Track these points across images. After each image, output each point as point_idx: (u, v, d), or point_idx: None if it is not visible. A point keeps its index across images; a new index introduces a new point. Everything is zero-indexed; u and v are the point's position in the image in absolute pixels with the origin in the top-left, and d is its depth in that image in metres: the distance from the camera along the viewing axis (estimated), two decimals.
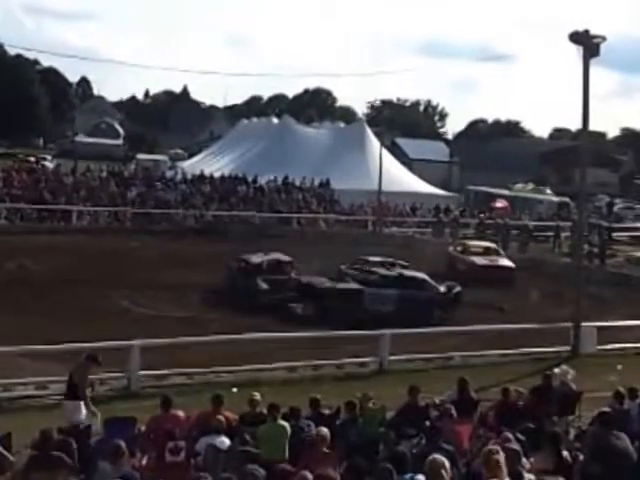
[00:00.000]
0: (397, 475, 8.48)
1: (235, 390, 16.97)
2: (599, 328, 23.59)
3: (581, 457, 10.42)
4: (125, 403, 16.18)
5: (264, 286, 27.99)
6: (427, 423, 12.90)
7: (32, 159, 63.56)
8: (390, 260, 30.85)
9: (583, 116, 23.66)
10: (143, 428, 12.33)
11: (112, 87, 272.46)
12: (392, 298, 27.01)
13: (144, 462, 11.40)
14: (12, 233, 38.97)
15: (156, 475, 10.30)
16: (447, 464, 7.89)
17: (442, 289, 28.22)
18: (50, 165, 61.48)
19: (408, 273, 28.81)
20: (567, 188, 63.55)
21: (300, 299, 26.88)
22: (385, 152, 57.04)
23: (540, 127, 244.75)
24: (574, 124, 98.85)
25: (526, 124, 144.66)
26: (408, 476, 8.59)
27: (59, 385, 17.79)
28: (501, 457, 7.92)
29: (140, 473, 9.90)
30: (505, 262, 36.22)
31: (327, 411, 13.22)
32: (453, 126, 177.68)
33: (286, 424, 11.93)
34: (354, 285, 27.65)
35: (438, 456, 8.04)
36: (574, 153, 44.14)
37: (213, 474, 9.30)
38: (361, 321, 24.25)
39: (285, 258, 30.01)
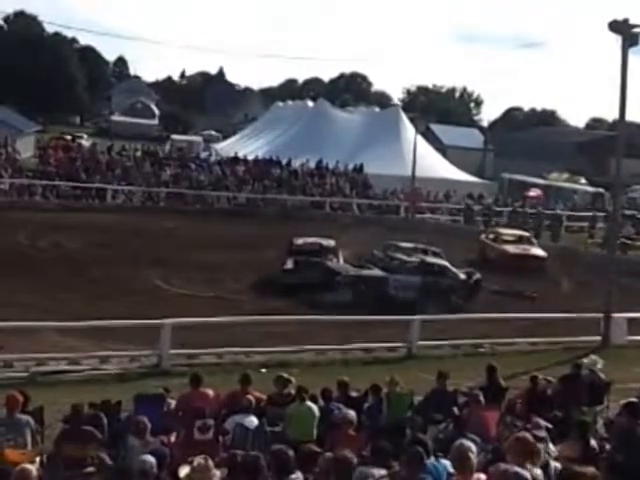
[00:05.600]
0: None
1: (264, 371, 17.10)
2: (630, 319, 23.48)
3: (608, 447, 10.41)
4: (155, 380, 16.33)
5: (289, 265, 28.22)
6: (455, 409, 12.93)
7: (68, 137, 63.91)
8: (422, 246, 30.86)
9: (620, 106, 23.47)
10: (172, 402, 12.46)
11: (148, 67, 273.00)
12: (415, 285, 27.01)
13: (173, 439, 11.52)
14: (47, 210, 39.35)
15: (184, 452, 10.40)
16: (474, 449, 7.90)
17: (462, 276, 28.18)
18: (86, 143, 61.85)
19: (430, 260, 28.81)
20: (602, 178, 62.96)
21: (324, 284, 26.90)
22: (419, 138, 56.77)
23: (576, 117, 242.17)
24: (611, 114, 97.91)
25: (562, 113, 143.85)
26: (431, 461, 8.62)
27: (91, 360, 18.12)
28: (536, 445, 7.97)
29: (169, 450, 10.00)
30: (537, 251, 36.02)
31: (355, 394, 13.30)
32: (488, 114, 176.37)
33: (314, 406, 12.01)
34: (378, 272, 27.69)
35: (465, 441, 8.05)
36: (610, 143, 43.69)
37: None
38: (384, 308, 24.36)
39: (328, 243, 30.17)
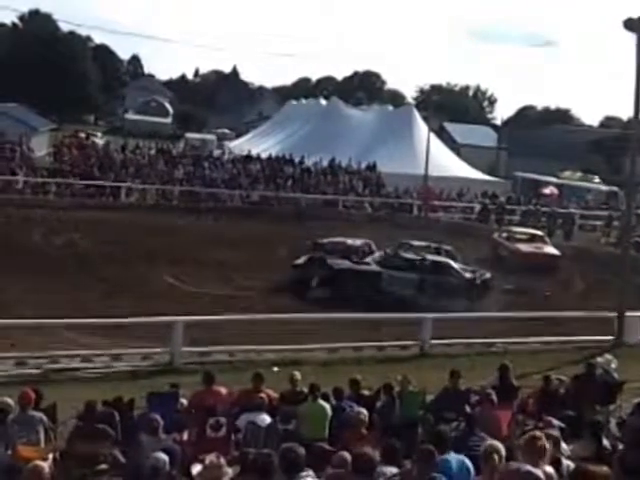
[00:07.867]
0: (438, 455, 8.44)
1: (276, 369, 17.10)
2: None
3: (621, 446, 10.38)
4: (168, 378, 16.36)
5: (298, 262, 28.28)
6: (467, 408, 12.91)
7: (82, 135, 64.08)
8: (435, 245, 30.79)
9: (635, 104, 23.34)
10: (184, 401, 12.49)
11: (162, 66, 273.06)
12: (412, 282, 26.93)
13: (185, 437, 11.55)
14: (61, 208, 39.46)
15: (197, 450, 10.43)
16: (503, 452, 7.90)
17: (468, 275, 28.00)
18: (100, 142, 62.01)
19: (432, 258, 28.67)
20: (616, 177, 62.68)
21: (323, 279, 26.92)
22: (433, 136, 56.68)
23: (590, 115, 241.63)
24: (625, 112, 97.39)
25: (576, 112, 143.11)
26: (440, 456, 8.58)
27: (104, 358, 18.19)
28: (545, 442, 7.97)
29: (181, 448, 10.02)
30: (550, 250, 35.90)
31: (367, 392, 13.29)
32: (502, 112, 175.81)
33: (326, 404, 12.02)
34: (372, 267, 27.67)
35: (494, 442, 8.08)
36: (624, 142, 43.52)
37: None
38: (377, 303, 24.40)
39: (354, 242, 30.14)
